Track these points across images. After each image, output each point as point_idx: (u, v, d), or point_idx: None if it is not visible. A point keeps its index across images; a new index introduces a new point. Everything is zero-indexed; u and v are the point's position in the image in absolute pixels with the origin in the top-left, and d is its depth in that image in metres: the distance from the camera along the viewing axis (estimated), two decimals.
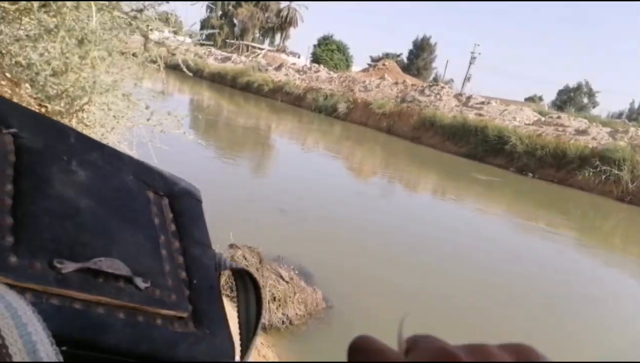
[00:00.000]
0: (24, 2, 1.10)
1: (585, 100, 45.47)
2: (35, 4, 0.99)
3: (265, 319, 3.76)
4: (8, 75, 1.64)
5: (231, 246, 4.09)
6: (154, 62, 2.05)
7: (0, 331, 0.30)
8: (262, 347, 3.24)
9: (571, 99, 43.80)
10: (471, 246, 6.76)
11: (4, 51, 1.53)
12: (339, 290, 4.45)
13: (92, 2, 1.06)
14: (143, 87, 2.25)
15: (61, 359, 0.32)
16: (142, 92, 2.13)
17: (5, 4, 1.02)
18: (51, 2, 0.99)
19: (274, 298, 3.90)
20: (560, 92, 46.53)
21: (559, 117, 17.08)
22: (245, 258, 3.97)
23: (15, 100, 1.56)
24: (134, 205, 0.49)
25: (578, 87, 45.33)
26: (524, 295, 5.40)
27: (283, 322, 3.81)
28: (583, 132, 15.38)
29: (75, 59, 1.23)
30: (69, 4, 1.02)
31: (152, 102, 2.05)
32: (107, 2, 1.17)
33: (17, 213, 0.38)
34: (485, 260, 6.30)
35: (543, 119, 17.23)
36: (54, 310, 0.35)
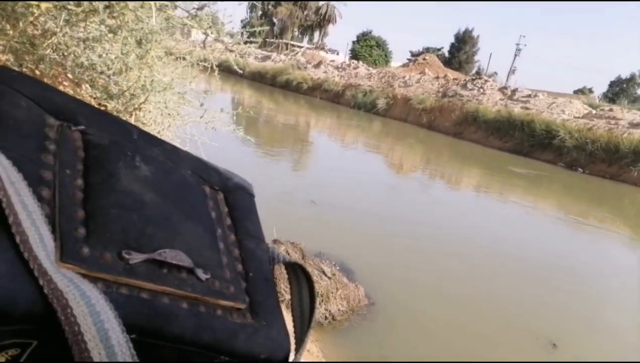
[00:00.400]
0: (88, 3, 1.16)
1: (639, 91, 42.93)
2: (101, 5, 1.04)
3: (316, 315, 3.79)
4: (70, 76, 1.73)
5: (274, 241, 4.15)
6: (205, 61, 2.10)
7: (76, 318, 0.32)
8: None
9: (624, 90, 41.49)
10: (517, 244, 6.55)
11: (66, 53, 1.62)
12: (382, 287, 4.43)
13: (152, 2, 1.11)
14: (188, 88, 2.32)
15: (131, 346, 0.33)
16: (190, 91, 2.20)
17: (72, 5, 1.08)
18: (114, 2, 1.04)
19: (317, 294, 3.93)
20: (612, 84, 44.17)
21: (611, 110, 16.21)
22: (288, 254, 4.02)
23: None
24: (192, 199, 0.50)
25: (631, 78, 42.84)
26: (580, 295, 5.18)
27: (326, 318, 3.83)
28: (637, 125, 14.53)
29: (133, 59, 1.29)
30: (131, 4, 1.07)
31: (206, 101, 2.11)
32: (167, 2, 1.22)
33: (87, 207, 0.40)
34: (534, 261, 6.08)
35: (594, 111, 16.41)
36: (124, 299, 0.37)
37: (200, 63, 1.88)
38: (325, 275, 4.14)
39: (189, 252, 0.43)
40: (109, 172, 0.44)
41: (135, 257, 0.39)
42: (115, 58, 1.29)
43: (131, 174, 0.45)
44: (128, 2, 1.10)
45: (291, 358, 0.47)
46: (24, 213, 0.35)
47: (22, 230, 0.34)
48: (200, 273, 0.43)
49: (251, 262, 0.51)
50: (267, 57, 33.32)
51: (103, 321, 0.32)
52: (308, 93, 24.84)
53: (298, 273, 0.57)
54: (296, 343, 0.52)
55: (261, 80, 27.90)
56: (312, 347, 3.25)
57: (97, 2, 1.10)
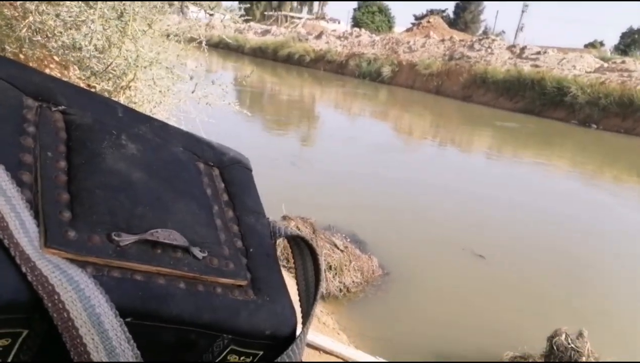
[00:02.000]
0: None
1: None
2: None
3: (322, 287, 3.78)
4: (56, 58, 1.66)
5: (284, 218, 4.12)
6: (195, 40, 2.01)
7: (64, 304, 0.31)
8: (322, 315, 3.27)
9: (635, 41, 40.14)
10: (531, 205, 6.45)
11: (49, 34, 1.54)
12: (395, 256, 4.39)
13: None
14: (187, 67, 2.26)
15: (126, 330, 0.32)
16: (183, 68, 2.13)
17: None
18: None
19: (330, 267, 3.91)
20: (623, 35, 42.74)
21: (623, 62, 15.72)
22: (299, 229, 3.98)
23: None
24: (185, 176, 0.49)
25: None
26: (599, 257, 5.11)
27: (340, 290, 3.83)
28: None
29: (115, 34, 1.22)
30: None
31: (198, 77, 2.04)
32: None
33: (72, 189, 0.39)
34: (551, 224, 5.98)
35: (606, 65, 15.93)
36: (116, 283, 0.35)
37: (189, 39, 1.78)
38: (338, 248, 4.12)
39: (184, 231, 0.42)
40: (93, 152, 0.42)
41: (126, 239, 0.38)
42: (95, 33, 1.21)
43: (117, 153, 0.44)
44: None
45: (298, 331, 0.46)
46: (2, 198, 0.34)
47: (1, 217, 0.33)
48: (196, 251, 0.42)
49: (251, 237, 0.50)
50: (267, 32, 32.75)
51: (94, 306, 0.31)
52: (311, 65, 24.47)
53: (301, 246, 0.55)
54: (303, 317, 0.50)
55: (262, 55, 27.51)
56: (328, 320, 3.24)
57: None
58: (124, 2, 1.13)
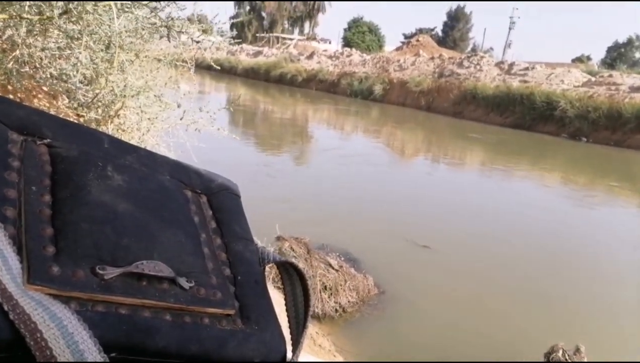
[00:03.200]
0: (47, 13, 1.10)
1: (638, 54, 42.36)
2: (56, 12, 0.98)
3: (318, 308, 3.75)
4: (45, 88, 1.67)
5: (278, 238, 4.10)
6: (185, 62, 2.03)
7: (47, 342, 0.30)
8: (318, 337, 3.23)
9: (622, 55, 40.91)
10: (528, 222, 6.48)
11: (37, 65, 1.55)
12: (389, 275, 4.38)
13: (111, 3, 1.04)
14: (180, 90, 2.28)
15: None
16: (179, 94, 2.15)
17: (29, 15, 1.02)
18: (72, 7, 0.97)
19: (325, 287, 3.88)
20: (609, 49, 43.58)
21: (610, 76, 16.00)
22: (293, 250, 3.97)
23: (52, 112, 1.58)
24: (172, 205, 0.48)
25: (629, 42, 42.25)
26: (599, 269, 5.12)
27: (336, 310, 3.79)
28: (638, 89, 14.33)
29: (102, 64, 1.23)
30: (88, 7, 1.01)
31: (189, 102, 2.05)
32: (128, 2, 1.15)
33: (56, 223, 0.38)
34: (544, 238, 6.00)
35: (593, 79, 16.20)
36: (100, 317, 0.35)
37: (180, 63, 1.81)
38: (333, 268, 4.09)
39: (170, 261, 0.42)
40: (78, 184, 0.42)
41: (111, 272, 0.37)
42: (81, 65, 1.23)
43: (102, 185, 0.43)
44: (85, 4, 1.03)
45: (288, 358, 0.46)
46: None
47: None
48: (183, 282, 0.41)
49: (239, 265, 0.49)
50: (259, 53, 33.12)
51: (77, 342, 0.31)
52: (303, 85, 24.70)
53: (290, 272, 0.55)
54: (292, 344, 0.50)
55: (255, 76, 27.75)
56: (324, 342, 3.21)
57: (53, 9, 1.03)
58: (109, 35, 1.15)
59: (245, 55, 32.67)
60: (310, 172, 8.77)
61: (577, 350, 3.03)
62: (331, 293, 3.88)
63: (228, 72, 29.26)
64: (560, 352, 3.00)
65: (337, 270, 4.06)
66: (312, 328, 3.26)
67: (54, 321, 0.32)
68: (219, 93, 18.73)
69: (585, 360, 3.00)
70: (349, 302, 3.88)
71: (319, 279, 3.88)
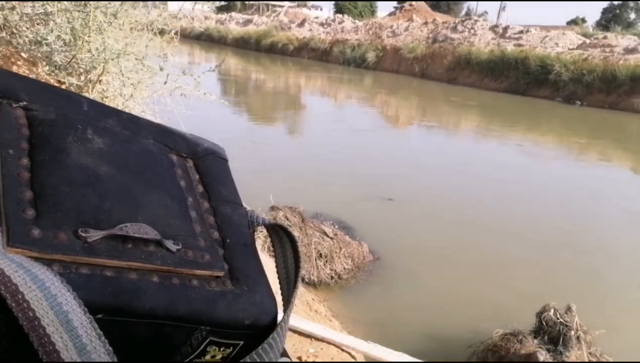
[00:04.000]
0: None
1: (633, 15, 41.79)
2: None
3: (314, 276, 3.79)
4: (24, 55, 1.61)
5: (272, 208, 4.09)
6: (163, 32, 1.95)
7: (29, 304, 0.30)
8: (314, 303, 3.27)
9: (617, 16, 40.35)
10: (520, 187, 6.51)
11: (14, 30, 1.49)
12: (384, 241, 4.41)
13: None
14: (168, 61, 2.22)
15: (96, 327, 0.31)
16: (167, 65, 2.08)
17: None
18: None
19: (321, 255, 3.91)
20: (604, 11, 42.93)
21: (605, 37, 15.81)
22: (287, 219, 3.97)
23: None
24: (156, 168, 0.48)
25: (624, 3, 41.59)
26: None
27: (332, 277, 3.83)
28: (633, 50, 14.21)
29: (80, 28, 1.17)
30: None
31: (175, 69, 1.99)
32: None
33: (35, 186, 0.38)
34: (536, 205, 6.04)
35: (588, 41, 16.01)
36: (84, 279, 0.35)
37: (162, 27, 1.73)
38: (327, 236, 4.11)
39: (155, 224, 0.41)
40: (57, 147, 0.41)
41: (94, 235, 0.37)
42: (58, 28, 1.17)
43: (82, 148, 0.43)
44: None
45: (279, 319, 0.45)
46: None
47: None
48: (169, 244, 0.41)
49: (228, 228, 0.49)
50: (249, 21, 32.32)
51: (61, 304, 0.31)
52: (295, 54, 24.26)
53: (280, 234, 0.55)
54: (284, 305, 0.50)
55: (245, 46, 27.18)
56: (320, 307, 3.25)
57: None
58: None
59: (235, 24, 31.89)
60: (302, 140, 8.72)
61: (569, 309, 3.09)
62: (326, 261, 3.91)
63: (218, 42, 28.63)
64: (552, 311, 3.06)
65: (331, 238, 4.08)
66: (308, 295, 3.30)
67: (36, 283, 0.31)
68: (209, 63, 18.38)
69: (577, 319, 3.06)
70: (344, 268, 3.92)
71: (314, 247, 3.90)
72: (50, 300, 0.31)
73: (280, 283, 0.53)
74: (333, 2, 42.58)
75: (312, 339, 2.55)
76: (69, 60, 1.30)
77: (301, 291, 3.32)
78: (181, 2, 1.97)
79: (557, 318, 3.02)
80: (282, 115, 11.03)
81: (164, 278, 0.39)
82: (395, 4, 41.00)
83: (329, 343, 2.58)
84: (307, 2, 43.78)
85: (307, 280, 3.73)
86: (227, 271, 0.44)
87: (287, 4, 40.66)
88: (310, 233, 3.99)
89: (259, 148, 7.21)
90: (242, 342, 0.43)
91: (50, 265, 0.34)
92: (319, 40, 23.85)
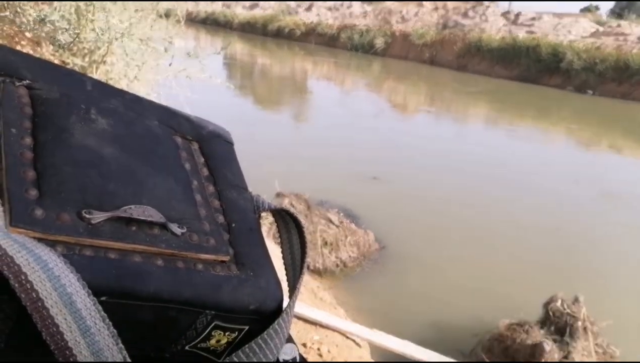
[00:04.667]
0: None
1: None
2: None
3: (319, 264, 3.78)
4: (28, 35, 1.58)
5: (278, 195, 4.08)
6: (167, 16, 1.91)
7: (32, 284, 0.30)
8: (319, 290, 3.27)
9: (631, 4, 39.53)
10: (524, 177, 6.44)
11: (18, 9, 1.46)
12: (391, 231, 4.38)
13: None
14: (175, 45, 2.19)
15: (100, 309, 0.31)
16: (173, 49, 2.05)
17: None
18: None
19: (326, 243, 3.90)
20: None
21: (618, 26, 15.54)
22: (293, 206, 3.95)
23: None
24: (161, 150, 0.47)
25: None
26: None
27: (337, 265, 3.82)
28: None
29: (84, 6, 1.14)
30: None
31: (180, 54, 1.96)
32: None
33: (38, 166, 0.37)
34: (545, 193, 5.98)
35: (601, 29, 15.74)
36: (88, 261, 0.34)
37: (167, 8, 1.70)
38: (333, 224, 4.09)
39: (160, 207, 0.40)
40: (61, 127, 0.40)
41: (98, 216, 0.36)
42: (64, 5, 1.14)
43: (86, 128, 0.42)
44: None
45: (285, 305, 0.45)
46: None
47: None
48: (174, 227, 0.40)
49: (233, 212, 0.48)
50: (256, 5, 32.02)
51: (65, 285, 0.31)
52: (302, 39, 24.05)
53: (286, 220, 0.53)
54: (289, 290, 0.49)
55: (252, 30, 26.97)
56: (326, 295, 3.24)
57: None
58: None
59: (241, 8, 31.61)
60: (307, 127, 8.68)
61: (576, 300, 3.07)
62: (332, 249, 3.90)
63: (224, 26, 28.43)
64: (559, 301, 3.03)
65: (337, 226, 4.06)
66: (313, 283, 3.30)
67: (39, 263, 0.31)
68: (214, 48, 18.29)
69: (584, 310, 3.03)
70: (349, 257, 3.91)
71: (320, 235, 3.89)
72: (54, 281, 0.30)
73: (285, 269, 0.52)
74: None
75: (317, 326, 2.55)
76: (72, 39, 1.27)
77: (306, 279, 3.31)
78: None
79: (564, 309, 3.00)
80: (285, 101, 10.98)
81: (169, 261, 0.38)
82: None
83: (333, 330, 2.58)
84: None
85: (312, 267, 3.73)
86: (233, 256, 0.44)
87: None
88: (316, 220, 3.97)
89: (261, 132, 7.18)
90: (247, 327, 0.42)
91: (54, 246, 0.33)
92: (326, 25, 23.61)
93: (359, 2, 25.80)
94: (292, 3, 29.20)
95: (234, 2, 31.52)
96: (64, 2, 1.27)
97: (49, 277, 0.30)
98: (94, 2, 1.14)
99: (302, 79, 14.64)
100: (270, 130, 7.54)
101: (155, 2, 1.61)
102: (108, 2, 1.21)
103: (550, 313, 3.01)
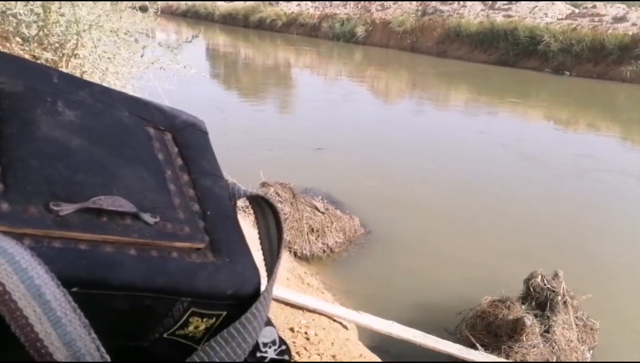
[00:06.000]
0: None
1: None
2: None
3: (306, 250, 3.81)
4: None
5: (263, 184, 4.09)
6: (144, 9, 1.89)
7: None
8: (306, 276, 3.30)
9: None
10: (507, 162, 6.54)
11: None
12: (375, 215, 4.44)
13: None
14: (156, 38, 2.17)
15: (70, 300, 0.31)
16: (149, 42, 2.03)
17: None
18: None
19: (312, 230, 3.93)
20: None
21: (594, 7, 15.70)
22: (279, 194, 3.97)
23: None
24: (132, 141, 0.47)
25: None
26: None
27: (324, 251, 3.87)
28: (621, 19, 14.14)
29: None
30: None
31: (145, 41, 1.93)
32: None
33: (3, 160, 0.37)
34: (525, 178, 6.08)
35: (577, 10, 15.90)
36: (57, 253, 0.34)
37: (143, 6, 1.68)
38: (319, 211, 4.13)
39: (132, 197, 0.41)
40: (26, 120, 0.40)
41: (66, 208, 0.36)
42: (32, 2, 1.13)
43: (52, 121, 0.42)
44: None
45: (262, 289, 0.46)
46: None
47: None
48: (147, 217, 0.40)
49: (209, 200, 0.48)
50: None
51: (32, 277, 0.30)
52: (283, 30, 23.84)
53: (262, 206, 0.55)
54: (267, 276, 0.50)
55: (233, 22, 26.63)
56: (313, 281, 3.28)
57: None
58: None
59: (222, 0, 31.16)
60: (289, 117, 8.66)
61: (556, 275, 3.15)
62: (318, 235, 3.93)
63: (205, 18, 28.03)
64: (539, 277, 3.12)
65: (323, 213, 4.10)
66: (300, 269, 3.33)
67: (5, 257, 0.30)
68: (195, 41, 18.03)
69: (563, 284, 3.12)
70: (336, 242, 3.95)
71: (306, 222, 3.92)
72: (21, 273, 0.30)
73: (263, 254, 0.53)
74: None
75: (304, 311, 2.58)
76: (38, 32, 1.26)
77: (293, 265, 3.35)
78: None
79: (545, 284, 3.08)
80: (266, 91, 10.92)
81: (142, 251, 0.39)
82: None
83: (320, 314, 2.62)
84: None
85: (299, 254, 3.76)
86: (208, 243, 0.44)
87: None
88: (302, 208, 4.00)
89: (242, 122, 7.15)
90: (225, 312, 0.42)
91: (21, 239, 0.33)
92: (307, 15, 23.42)
93: None
94: None
95: None
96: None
97: (15, 269, 0.30)
98: None
99: (283, 70, 14.55)
100: (250, 119, 7.51)
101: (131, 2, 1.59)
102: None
103: (531, 289, 3.09)
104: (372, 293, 3.36)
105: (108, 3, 1.48)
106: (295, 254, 3.75)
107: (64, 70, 1.44)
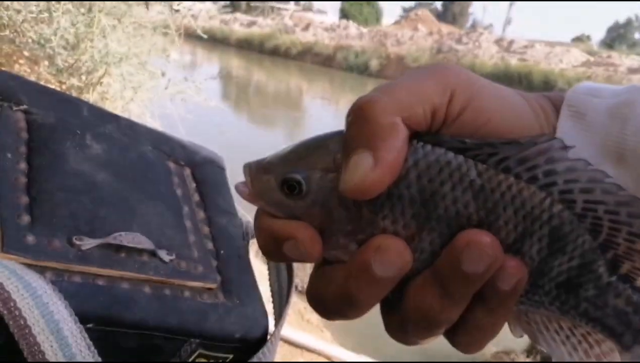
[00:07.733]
0: None
1: (637, 35, 42.14)
2: None
3: (306, 284, 3.77)
4: (26, 53, 1.59)
5: None
6: (168, 28, 1.94)
7: (21, 311, 0.30)
8: (306, 312, 3.25)
9: (621, 35, 40.67)
10: None
11: (17, 29, 1.48)
12: None
13: None
14: (170, 59, 2.21)
15: (86, 336, 0.32)
16: (168, 64, 2.07)
17: None
18: None
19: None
20: (609, 30, 43.27)
21: (609, 56, 15.91)
22: None
23: (33, 77, 1.52)
24: (153, 176, 0.48)
25: (628, 22, 41.89)
26: None
27: None
28: (636, 71, 14.29)
29: (84, 29, 1.17)
30: None
31: (177, 72, 1.98)
32: None
33: (32, 191, 0.38)
34: None
35: (592, 59, 16.10)
36: (76, 288, 0.35)
37: (165, 31, 1.73)
38: None
39: (150, 233, 0.41)
40: (55, 153, 0.41)
41: (88, 243, 0.37)
42: (62, 29, 1.16)
43: (81, 154, 0.43)
44: None
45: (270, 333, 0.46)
46: None
47: None
48: (163, 254, 0.41)
49: (222, 239, 0.49)
50: (253, 23, 32.37)
51: (52, 312, 0.31)
52: (298, 58, 24.29)
53: None
54: (275, 319, 0.49)
55: (248, 47, 27.22)
56: (312, 317, 3.23)
57: None
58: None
59: (239, 26, 31.95)
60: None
61: None
62: None
63: (221, 42, 28.69)
64: None
65: None
66: (300, 304, 3.28)
67: (28, 290, 0.31)
68: (211, 64, 18.41)
69: None
70: None
71: None
72: (42, 308, 0.31)
73: (272, 296, 0.53)
74: (339, 7, 42.72)
75: (303, 350, 2.53)
76: (71, 64, 1.29)
77: (294, 300, 3.29)
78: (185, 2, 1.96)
79: None
80: (276, 120, 11.06)
81: (156, 289, 0.39)
82: (401, 11, 41.21)
83: (319, 354, 2.56)
84: (312, 2, 43.91)
85: (300, 288, 3.71)
86: (220, 283, 0.44)
87: (292, 6, 40.86)
88: None
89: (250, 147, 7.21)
90: (231, 355, 0.42)
91: (43, 272, 0.34)
92: (322, 45, 23.91)
93: (355, 24, 26.24)
94: (290, 22, 29.63)
95: (232, 19, 31.91)
96: (64, 25, 1.29)
97: (37, 304, 0.31)
98: (94, 28, 1.16)
99: (303, 106, 14.78)
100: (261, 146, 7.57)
101: (152, 22, 1.63)
102: (107, 27, 1.24)
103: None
104: (373, 335, 3.29)
105: (137, 35, 1.52)
106: (296, 288, 3.70)
107: (89, 96, 1.46)
